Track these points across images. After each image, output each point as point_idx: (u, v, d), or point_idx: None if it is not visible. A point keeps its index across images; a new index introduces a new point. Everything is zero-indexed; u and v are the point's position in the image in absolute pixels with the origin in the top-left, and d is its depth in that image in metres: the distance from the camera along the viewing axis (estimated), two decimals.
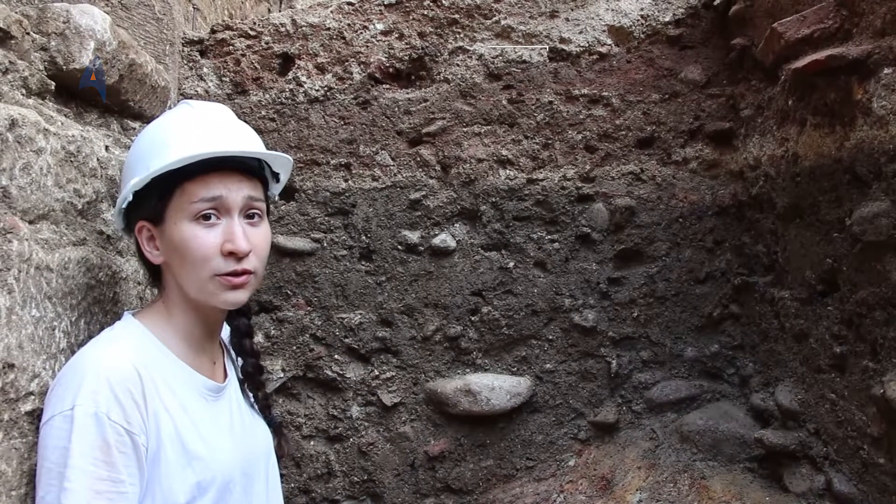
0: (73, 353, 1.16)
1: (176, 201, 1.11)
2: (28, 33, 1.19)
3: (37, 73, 1.21)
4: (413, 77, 2.28)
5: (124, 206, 1.15)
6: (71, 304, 1.19)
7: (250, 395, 1.34)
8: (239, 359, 1.37)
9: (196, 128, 1.14)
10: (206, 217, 1.11)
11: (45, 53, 1.24)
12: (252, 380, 1.35)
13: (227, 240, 1.11)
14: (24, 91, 1.17)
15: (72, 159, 1.23)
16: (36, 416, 1.04)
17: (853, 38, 1.63)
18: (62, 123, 1.24)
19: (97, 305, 1.30)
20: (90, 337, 1.22)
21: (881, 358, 1.53)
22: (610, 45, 2.28)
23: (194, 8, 2.59)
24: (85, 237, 1.28)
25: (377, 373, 2.25)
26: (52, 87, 1.26)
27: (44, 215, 1.13)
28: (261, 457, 1.29)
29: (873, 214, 1.51)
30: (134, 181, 1.10)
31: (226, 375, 1.29)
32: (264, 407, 1.37)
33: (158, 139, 1.14)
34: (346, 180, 2.25)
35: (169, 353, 1.15)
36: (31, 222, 1.09)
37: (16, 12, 1.18)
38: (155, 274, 1.23)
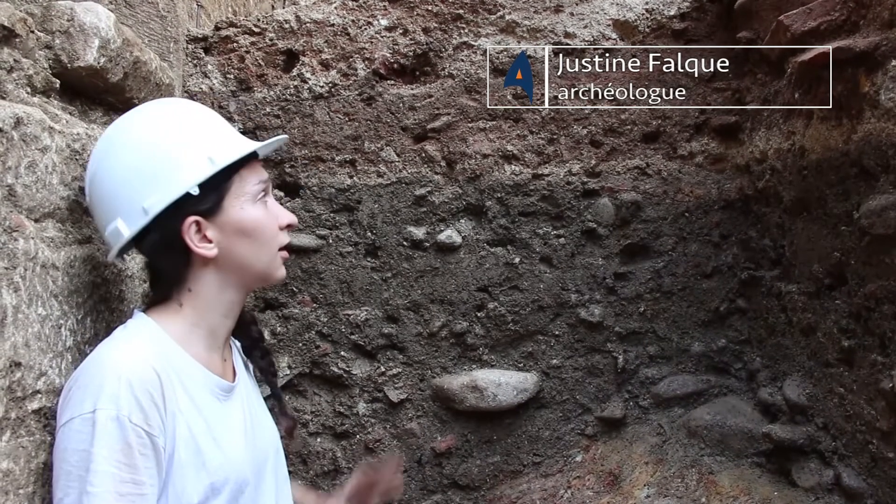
0: (79, 351, 1.16)
1: (235, 188, 1.16)
2: (32, 31, 1.19)
3: (41, 71, 1.21)
4: (417, 73, 2.28)
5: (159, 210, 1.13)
6: (77, 302, 1.19)
7: (261, 361, 1.39)
8: (244, 338, 1.38)
9: (221, 123, 1.21)
10: (262, 198, 1.19)
11: (50, 51, 1.23)
12: (256, 347, 1.39)
13: (279, 215, 1.21)
14: (28, 89, 1.17)
15: (77, 157, 1.22)
16: (43, 414, 1.04)
17: (860, 30, 1.61)
18: (67, 121, 1.24)
19: (103, 303, 1.30)
20: (96, 335, 1.22)
21: (890, 352, 1.52)
22: (615, 39, 2.27)
23: (198, 5, 2.58)
24: (90, 235, 1.28)
25: (383, 369, 2.25)
26: (57, 86, 1.26)
27: (49, 213, 1.13)
28: (270, 453, 1.29)
29: (881, 207, 1.50)
30: (196, 175, 1.10)
31: (235, 373, 1.29)
32: (271, 374, 1.42)
33: (195, 138, 1.15)
34: (351, 177, 2.25)
35: (183, 352, 1.14)
36: (36, 221, 1.09)
37: (20, 10, 1.17)
38: (172, 274, 1.18)
